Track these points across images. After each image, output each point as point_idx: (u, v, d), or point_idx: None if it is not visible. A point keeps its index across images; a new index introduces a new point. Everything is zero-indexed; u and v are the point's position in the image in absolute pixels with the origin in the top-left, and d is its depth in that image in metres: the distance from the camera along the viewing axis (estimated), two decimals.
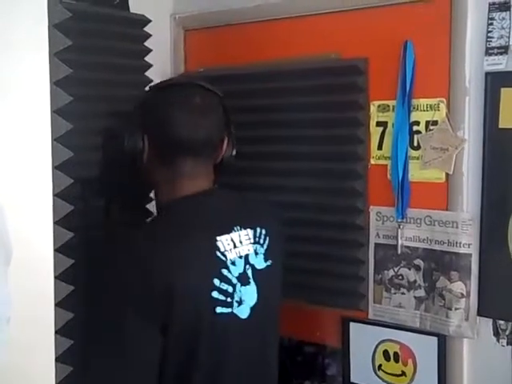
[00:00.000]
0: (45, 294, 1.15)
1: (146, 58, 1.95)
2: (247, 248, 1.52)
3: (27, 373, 1.10)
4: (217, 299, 1.43)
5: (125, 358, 1.38)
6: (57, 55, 1.29)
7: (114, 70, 1.81)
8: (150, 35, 1.94)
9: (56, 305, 1.21)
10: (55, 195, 1.22)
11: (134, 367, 1.38)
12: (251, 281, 1.51)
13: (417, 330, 1.81)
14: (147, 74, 1.94)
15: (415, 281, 1.81)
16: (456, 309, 1.73)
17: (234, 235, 1.51)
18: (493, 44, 1.64)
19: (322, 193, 1.93)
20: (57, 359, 1.21)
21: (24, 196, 1.10)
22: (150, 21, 1.93)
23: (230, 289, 1.46)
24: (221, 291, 1.44)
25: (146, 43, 1.94)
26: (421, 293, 1.80)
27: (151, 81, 1.88)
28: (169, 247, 1.41)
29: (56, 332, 1.21)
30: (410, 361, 1.84)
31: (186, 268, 1.40)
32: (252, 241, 1.54)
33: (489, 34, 1.65)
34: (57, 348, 1.19)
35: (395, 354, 1.86)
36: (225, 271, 1.45)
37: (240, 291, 1.48)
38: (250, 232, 1.54)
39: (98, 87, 1.70)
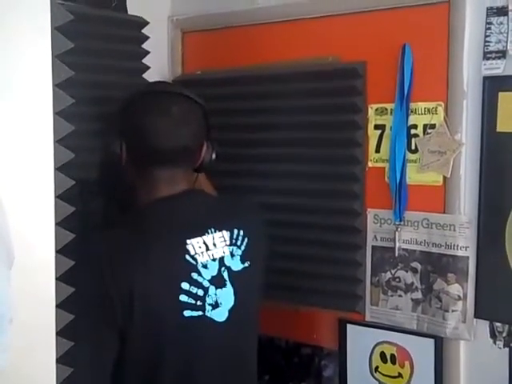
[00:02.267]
0: (46, 295, 1.15)
1: (144, 60, 1.95)
2: (222, 250, 1.52)
3: (28, 374, 1.10)
4: (185, 302, 1.43)
5: (83, 359, 1.39)
6: (58, 57, 1.28)
7: (111, 72, 1.81)
8: (148, 37, 1.94)
9: (57, 306, 1.20)
10: (57, 197, 1.21)
11: (89, 367, 1.40)
12: (227, 283, 1.51)
13: (414, 332, 1.82)
14: (145, 76, 1.94)
15: (412, 283, 1.82)
16: (453, 311, 1.74)
17: (207, 238, 1.50)
18: (491, 48, 1.65)
19: (319, 195, 1.93)
20: (58, 361, 1.20)
21: (26, 198, 1.10)
22: (147, 23, 1.93)
23: (201, 292, 1.46)
24: (190, 295, 1.44)
25: (143, 45, 1.94)
26: (418, 295, 1.81)
27: None
28: (132, 252, 1.42)
29: (57, 333, 1.21)
30: (406, 363, 1.84)
31: (148, 273, 1.41)
32: (228, 243, 1.54)
33: (487, 39, 1.66)
34: (58, 349, 1.18)
35: (392, 355, 1.87)
36: (195, 275, 1.46)
37: (215, 294, 1.48)
38: (225, 234, 1.54)
39: (97, 89, 1.70)
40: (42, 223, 1.14)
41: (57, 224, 1.20)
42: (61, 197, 1.25)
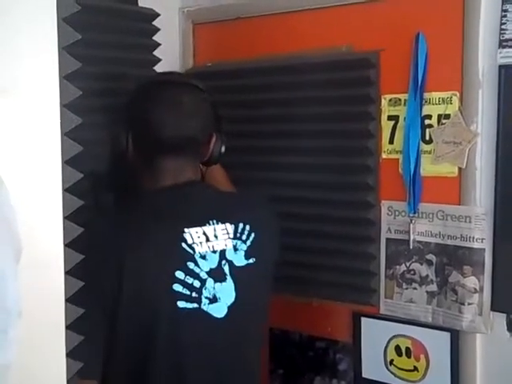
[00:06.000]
0: (55, 289, 1.15)
1: (155, 53, 1.94)
2: (224, 243, 1.48)
3: (38, 368, 1.10)
4: (179, 293, 1.40)
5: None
6: (66, 49, 1.27)
7: (122, 64, 1.80)
8: (159, 29, 1.93)
9: (66, 300, 1.20)
10: (65, 190, 1.21)
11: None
12: (228, 277, 1.47)
13: (429, 325, 1.80)
14: (156, 68, 1.93)
15: (427, 276, 1.79)
16: (469, 304, 1.71)
17: (208, 229, 1.47)
18: (506, 36, 1.61)
19: (333, 187, 1.91)
20: (67, 355, 1.20)
21: (34, 191, 1.09)
22: (158, 15, 1.92)
23: (197, 283, 1.42)
24: (185, 285, 1.41)
25: (154, 37, 1.93)
26: (433, 288, 1.78)
27: None
28: (126, 232, 1.42)
29: (67, 327, 1.20)
30: (422, 356, 1.82)
31: (139, 257, 1.40)
32: (231, 236, 1.50)
33: (502, 27, 1.62)
34: (67, 344, 1.18)
35: (407, 349, 1.84)
36: (191, 264, 1.42)
37: (213, 288, 1.44)
38: (229, 227, 1.50)
39: (106, 81, 1.69)
40: (51, 217, 1.14)
41: (65, 217, 1.19)
42: (69, 190, 1.25)
